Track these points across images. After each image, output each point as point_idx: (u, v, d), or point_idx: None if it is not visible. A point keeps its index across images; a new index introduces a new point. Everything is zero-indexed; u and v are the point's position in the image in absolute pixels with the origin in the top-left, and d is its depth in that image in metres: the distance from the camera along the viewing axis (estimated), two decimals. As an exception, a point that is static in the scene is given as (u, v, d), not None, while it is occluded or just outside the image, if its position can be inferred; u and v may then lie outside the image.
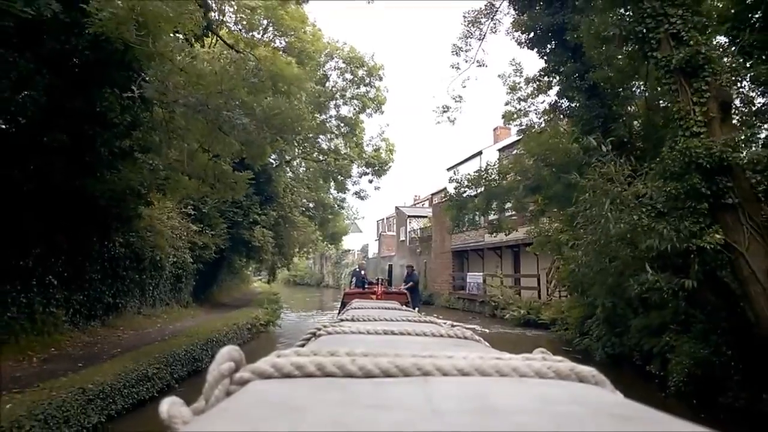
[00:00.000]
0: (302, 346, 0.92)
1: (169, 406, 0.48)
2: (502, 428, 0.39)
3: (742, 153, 5.70)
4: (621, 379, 8.89)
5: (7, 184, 7.88)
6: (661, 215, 5.97)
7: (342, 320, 1.28)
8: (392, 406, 0.44)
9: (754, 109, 7.90)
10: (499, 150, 27.83)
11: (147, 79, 6.64)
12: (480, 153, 31.11)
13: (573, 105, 10.50)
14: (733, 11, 9.33)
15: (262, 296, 24.36)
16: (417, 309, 6.67)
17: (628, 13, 6.72)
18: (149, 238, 12.88)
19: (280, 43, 20.56)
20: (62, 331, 9.61)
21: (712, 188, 5.93)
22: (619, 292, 7.97)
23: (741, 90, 8.04)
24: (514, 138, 22.79)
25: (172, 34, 6.80)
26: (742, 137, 5.94)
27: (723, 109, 6.11)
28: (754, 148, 5.98)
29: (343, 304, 8.34)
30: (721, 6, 9.85)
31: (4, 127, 6.88)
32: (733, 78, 6.62)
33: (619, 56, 8.27)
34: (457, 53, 11.96)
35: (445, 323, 1.28)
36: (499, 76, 14.27)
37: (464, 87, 21.88)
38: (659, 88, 6.63)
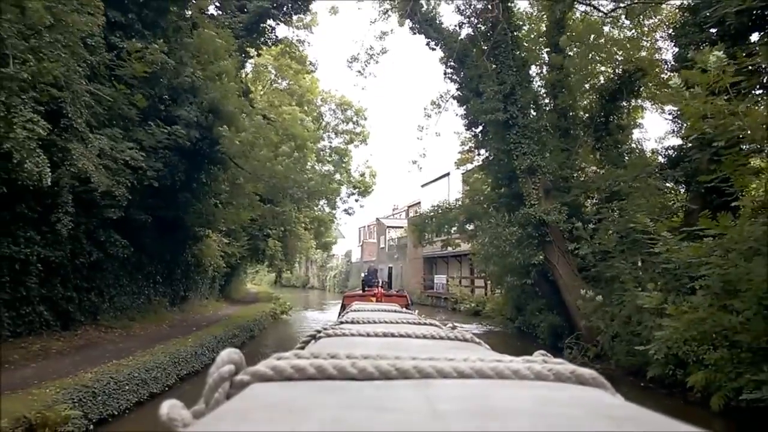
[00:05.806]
0: (302, 348, 0.92)
1: (169, 408, 0.48)
2: (501, 430, 0.40)
3: (552, 216, 11.56)
4: (520, 343, 14.86)
5: (146, 223, 13.33)
6: (515, 245, 11.85)
7: (342, 323, 1.28)
8: (392, 409, 0.44)
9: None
10: (462, 173, 33.88)
11: (242, 168, 12.25)
12: (448, 174, 37.04)
13: (492, 165, 16.42)
14: (587, 115, 15.49)
15: (261, 295, 29.73)
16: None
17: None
18: (203, 250, 18.30)
19: (284, 83, 26.29)
20: (163, 313, 15.03)
21: (539, 233, 11.83)
22: (510, 287, 13.88)
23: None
24: (475, 164, 29.17)
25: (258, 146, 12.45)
26: (551, 207, 11.88)
27: (546, 191, 12.06)
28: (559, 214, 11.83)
29: (343, 307, 8.62)
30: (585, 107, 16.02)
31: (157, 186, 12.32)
32: (557, 175, 12.57)
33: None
34: (420, 129, 17.84)
35: (445, 325, 1.25)
36: (455, 132, 20.23)
37: (424, 155, 30.19)
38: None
